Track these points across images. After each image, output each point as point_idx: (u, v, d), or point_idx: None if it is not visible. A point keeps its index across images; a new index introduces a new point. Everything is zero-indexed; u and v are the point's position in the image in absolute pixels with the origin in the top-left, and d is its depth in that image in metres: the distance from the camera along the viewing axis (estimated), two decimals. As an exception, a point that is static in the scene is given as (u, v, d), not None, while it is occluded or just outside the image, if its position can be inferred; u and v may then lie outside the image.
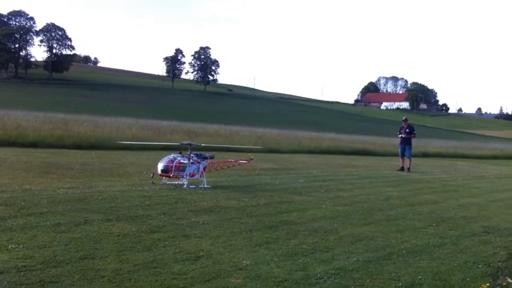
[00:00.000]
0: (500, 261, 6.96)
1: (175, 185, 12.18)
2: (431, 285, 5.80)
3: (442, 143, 52.94)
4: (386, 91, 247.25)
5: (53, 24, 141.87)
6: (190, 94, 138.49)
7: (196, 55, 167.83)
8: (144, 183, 12.06)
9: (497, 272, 6.29)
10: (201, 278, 5.48)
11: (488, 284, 5.76)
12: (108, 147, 22.42)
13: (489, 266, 6.60)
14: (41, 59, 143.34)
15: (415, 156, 27.24)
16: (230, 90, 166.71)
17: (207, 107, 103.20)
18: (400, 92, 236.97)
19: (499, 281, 5.91)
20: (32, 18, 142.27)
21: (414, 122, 35.94)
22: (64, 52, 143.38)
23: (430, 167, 25.91)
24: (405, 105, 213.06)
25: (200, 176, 12.60)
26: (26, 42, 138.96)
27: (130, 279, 5.28)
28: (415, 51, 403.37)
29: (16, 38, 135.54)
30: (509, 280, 5.90)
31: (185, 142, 13.81)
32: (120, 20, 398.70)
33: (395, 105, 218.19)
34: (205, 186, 12.29)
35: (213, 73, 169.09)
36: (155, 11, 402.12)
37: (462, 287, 5.83)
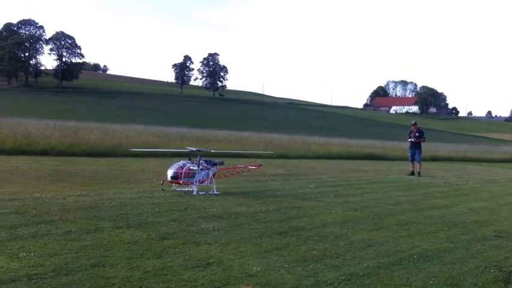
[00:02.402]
0: (512, 265, 6.90)
1: (185, 191, 12.20)
2: (443, 291, 5.76)
3: (452, 146, 52.66)
4: (396, 95, 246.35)
5: (62, 33, 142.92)
6: (199, 100, 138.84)
7: (204, 61, 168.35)
8: (154, 190, 12.09)
9: (509, 276, 6.23)
10: (211, 285, 5.48)
11: (500, 289, 5.72)
12: (118, 154, 22.50)
13: (501, 270, 6.54)
14: (51, 68, 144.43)
15: (425, 160, 27.10)
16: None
17: (216, 113, 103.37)
18: (410, 96, 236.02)
19: (510, 286, 5.87)
20: (41, 27, 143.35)
21: (424, 126, 35.87)
22: (74, 60, 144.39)
23: (440, 171, 25.79)
24: (415, 109, 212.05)
25: (210, 183, 12.60)
26: (36, 51, 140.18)
27: (141, 287, 5.30)
28: (424, 55, 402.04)
29: (26, 46, 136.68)
30: (521, 285, 5.85)
31: (194, 149, 13.82)
32: (129, 28, 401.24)
33: (405, 109, 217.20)
34: (215, 192, 12.30)
35: (221, 79, 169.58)
36: (164, 18, 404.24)
37: (474, 292, 5.80)
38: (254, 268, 6.14)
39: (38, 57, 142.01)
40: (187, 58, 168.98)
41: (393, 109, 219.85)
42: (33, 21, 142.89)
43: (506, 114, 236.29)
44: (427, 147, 34.06)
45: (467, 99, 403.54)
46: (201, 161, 12.52)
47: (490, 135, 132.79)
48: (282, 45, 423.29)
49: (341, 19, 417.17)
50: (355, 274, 6.14)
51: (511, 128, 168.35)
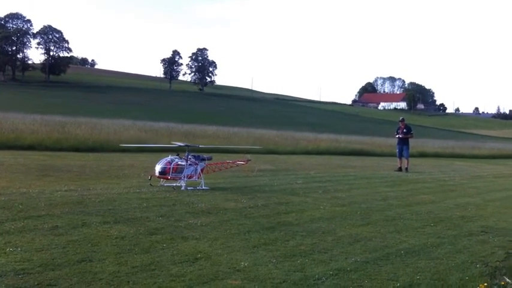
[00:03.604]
0: (498, 260, 6.96)
1: (173, 187, 12.17)
2: (430, 285, 5.80)
3: (440, 143, 52.98)
4: (384, 91, 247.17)
5: (50, 27, 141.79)
6: (188, 96, 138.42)
7: (193, 56, 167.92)
8: (142, 186, 12.05)
9: (495, 271, 6.30)
10: (199, 279, 5.48)
11: (486, 284, 5.77)
12: (106, 149, 22.39)
13: (487, 265, 6.61)
14: (38, 62, 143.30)
15: (413, 156, 27.28)
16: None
17: (204, 108, 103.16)
18: (398, 92, 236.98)
19: (496, 281, 5.92)
20: (29, 21, 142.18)
21: (412, 122, 35.98)
22: (61, 54, 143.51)
23: (427, 167, 25.95)
24: (403, 105, 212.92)
25: (198, 178, 12.58)
26: (23, 45, 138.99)
27: (129, 282, 5.28)
28: (413, 51, 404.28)
29: (13, 40, 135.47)
30: (507, 280, 5.91)
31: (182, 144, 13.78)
32: (117, 22, 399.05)
33: (393, 105, 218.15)
34: (203, 187, 12.28)
35: (210, 74, 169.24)
36: (152, 12, 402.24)
37: (460, 286, 5.83)
38: (242, 263, 6.15)
39: (25, 51, 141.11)
40: (175, 53, 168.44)
41: (381, 105, 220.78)
42: (21, 15, 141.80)
43: (493, 111, 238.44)
44: (415, 144, 34.27)
45: (454, 96, 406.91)
46: (189, 156, 12.49)
47: (477, 131, 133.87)
48: (272, 40, 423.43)
49: (330, 15, 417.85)
50: (343, 269, 6.17)
51: (498, 125, 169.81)
